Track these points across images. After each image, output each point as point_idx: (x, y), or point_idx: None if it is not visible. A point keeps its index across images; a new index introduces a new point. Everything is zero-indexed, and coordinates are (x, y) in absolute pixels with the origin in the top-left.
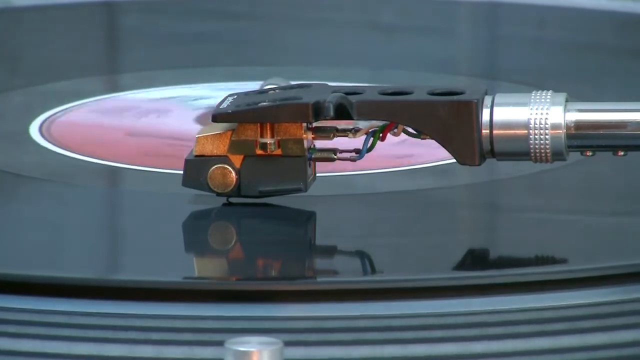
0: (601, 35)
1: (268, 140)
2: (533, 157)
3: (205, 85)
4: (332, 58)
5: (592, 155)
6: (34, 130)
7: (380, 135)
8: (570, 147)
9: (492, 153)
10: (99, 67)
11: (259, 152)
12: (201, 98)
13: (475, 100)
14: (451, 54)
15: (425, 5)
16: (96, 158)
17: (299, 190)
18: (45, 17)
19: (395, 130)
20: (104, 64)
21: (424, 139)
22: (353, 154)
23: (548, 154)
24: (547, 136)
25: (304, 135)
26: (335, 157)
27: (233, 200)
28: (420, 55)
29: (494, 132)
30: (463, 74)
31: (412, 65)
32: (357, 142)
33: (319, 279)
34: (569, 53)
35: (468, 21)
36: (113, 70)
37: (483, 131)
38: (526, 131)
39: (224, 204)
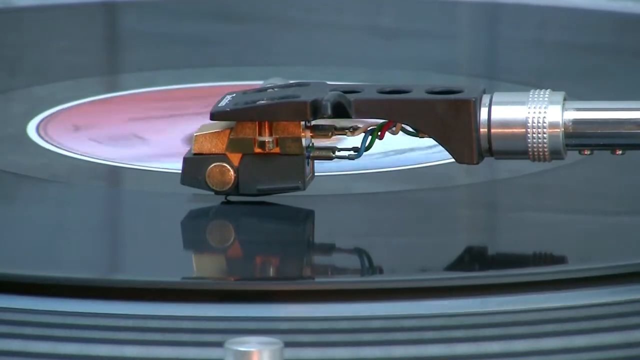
0: (601, 36)
1: (266, 138)
2: (531, 156)
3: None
4: (332, 59)
5: (590, 154)
6: (32, 131)
7: (379, 133)
8: (568, 146)
9: (490, 152)
10: (99, 67)
11: (257, 150)
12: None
13: (474, 99)
14: (451, 54)
15: (425, 6)
16: (95, 158)
17: (297, 188)
18: (45, 17)
19: (394, 128)
20: (104, 64)
21: (422, 137)
22: (351, 152)
23: (546, 153)
24: (545, 135)
25: (302, 134)
26: (334, 155)
27: (231, 198)
28: (419, 56)
29: (492, 130)
30: (463, 74)
31: (411, 66)
32: (356, 140)
33: (318, 279)
34: (569, 53)
35: (468, 22)
36: (113, 70)
37: (481, 130)
38: (524, 130)
39: (223, 203)
